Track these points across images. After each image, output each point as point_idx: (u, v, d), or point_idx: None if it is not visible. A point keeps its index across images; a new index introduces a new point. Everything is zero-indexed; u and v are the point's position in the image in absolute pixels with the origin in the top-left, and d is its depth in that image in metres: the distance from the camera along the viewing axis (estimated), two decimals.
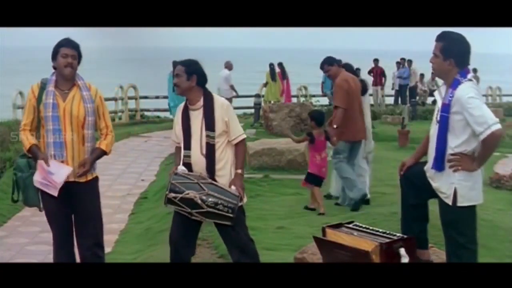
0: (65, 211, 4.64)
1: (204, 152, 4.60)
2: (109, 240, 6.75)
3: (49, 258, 6.26)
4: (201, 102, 4.65)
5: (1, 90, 23.33)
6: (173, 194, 4.51)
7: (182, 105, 4.78)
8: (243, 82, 25.14)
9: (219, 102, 4.67)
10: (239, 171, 4.64)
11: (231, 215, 4.49)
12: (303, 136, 8.14)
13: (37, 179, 4.52)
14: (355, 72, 8.66)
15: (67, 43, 4.60)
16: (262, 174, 9.91)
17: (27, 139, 4.56)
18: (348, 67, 8.49)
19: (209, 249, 6.31)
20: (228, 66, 17.83)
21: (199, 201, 4.48)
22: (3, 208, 8.06)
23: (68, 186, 4.55)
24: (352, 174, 7.86)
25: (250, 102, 19.75)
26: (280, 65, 19.56)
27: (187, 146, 4.65)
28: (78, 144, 4.57)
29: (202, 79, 4.68)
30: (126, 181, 10.31)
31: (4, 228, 7.42)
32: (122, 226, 7.34)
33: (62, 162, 4.52)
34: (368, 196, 8.13)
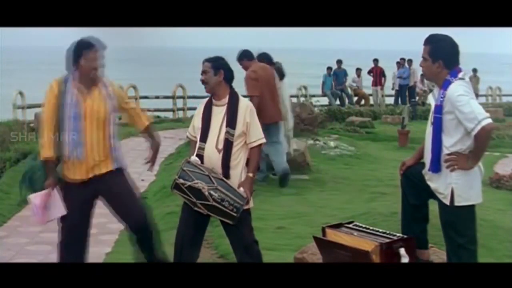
0: (85, 211, 4.63)
1: (219, 146, 4.61)
2: (109, 240, 6.75)
3: (49, 258, 6.26)
4: (226, 99, 4.68)
5: (1, 90, 23.31)
6: (182, 181, 4.54)
7: (205, 100, 4.81)
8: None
9: (244, 102, 4.70)
10: (251, 174, 4.64)
11: (235, 214, 4.49)
12: None
13: (34, 200, 4.51)
14: (271, 60, 9.33)
15: (90, 45, 4.54)
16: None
17: (47, 148, 4.48)
18: (264, 56, 9.24)
19: (209, 249, 6.31)
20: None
21: (206, 193, 4.49)
22: (3, 208, 8.06)
23: (95, 184, 4.57)
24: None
25: None
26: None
27: (203, 139, 4.67)
28: (102, 141, 4.58)
29: (229, 74, 4.73)
30: None
31: (4, 228, 7.41)
32: (122, 226, 7.33)
33: (80, 161, 4.51)
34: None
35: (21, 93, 16.00)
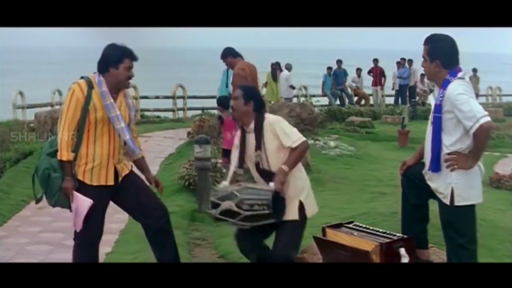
0: (104, 213, 4.64)
1: (258, 171, 4.67)
2: (109, 240, 6.74)
3: (49, 258, 6.26)
4: (252, 125, 4.71)
5: (1, 90, 23.31)
6: (213, 210, 4.58)
7: (239, 131, 4.88)
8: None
9: (267, 120, 4.69)
10: (284, 166, 4.54)
11: (268, 211, 4.40)
12: (217, 122, 9.73)
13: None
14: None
15: (132, 54, 4.57)
16: None
17: (67, 150, 4.43)
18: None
19: (209, 249, 6.31)
20: (288, 67, 20.00)
21: (236, 209, 4.47)
22: (3, 208, 8.05)
23: (114, 187, 4.59)
24: None
25: None
26: (278, 64, 19.59)
27: (240, 164, 4.77)
28: (124, 147, 4.68)
29: (259, 104, 4.75)
30: None
31: (4, 228, 7.41)
32: (122, 226, 7.32)
33: (107, 165, 4.53)
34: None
35: (21, 93, 15.99)
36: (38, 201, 4.68)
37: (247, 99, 4.69)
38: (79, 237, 4.61)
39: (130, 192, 4.68)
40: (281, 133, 4.62)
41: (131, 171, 4.73)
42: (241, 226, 4.55)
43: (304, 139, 4.65)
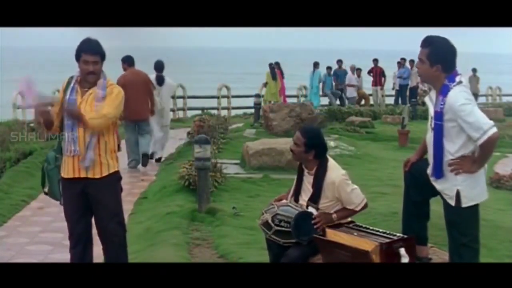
0: (82, 209, 4.69)
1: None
2: None
3: (49, 258, 6.27)
4: (313, 171, 4.67)
5: (1, 90, 23.29)
6: (263, 228, 4.67)
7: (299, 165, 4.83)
8: (243, 81, 25.17)
9: (332, 177, 4.58)
10: (334, 216, 4.56)
11: (288, 229, 4.49)
12: None
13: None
14: (162, 66, 11.61)
15: (88, 48, 4.59)
16: (261, 174, 9.90)
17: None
18: (158, 64, 11.57)
19: (209, 249, 6.31)
20: (351, 68, 21.96)
21: (270, 221, 4.57)
22: (3, 208, 8.06)
23: (83, 183, 4.62)
24: (130, 142, 11.12)
25: (250, 102, 19.77)
26: (278, 64, 19.60)
27: (296, 199, 4.76)
28: (95, 143, 4.61)
29: (320, 152, 4.65)
30: (126, 181, 10.28)
31: (4, 228, 7.41)
32: None
33: (74, 157, 4.59)
34: (151, 152, 11.43)
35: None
36: (44, 192, 4.90)
37: (308, 147, 4.61)
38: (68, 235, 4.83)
39: (96, 200, 4.69)
40: (345, 196, 4.58)
41: (107, 179, 4.66)
42: (274, 240, 4.61)
43: (365, 200, 4.67)
